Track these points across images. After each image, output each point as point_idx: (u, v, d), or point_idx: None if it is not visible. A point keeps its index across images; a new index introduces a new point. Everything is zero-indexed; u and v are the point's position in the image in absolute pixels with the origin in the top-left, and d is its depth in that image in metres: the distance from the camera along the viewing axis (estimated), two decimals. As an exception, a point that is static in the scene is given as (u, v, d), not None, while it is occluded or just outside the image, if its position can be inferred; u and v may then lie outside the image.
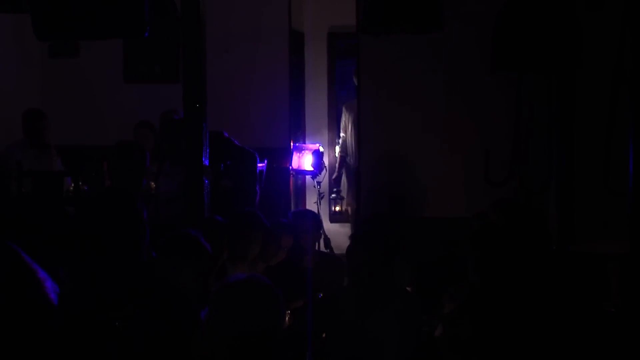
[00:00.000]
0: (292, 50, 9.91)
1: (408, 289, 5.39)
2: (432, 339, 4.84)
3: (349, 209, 9.76)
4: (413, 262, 5.58)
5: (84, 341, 3.36)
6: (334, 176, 10.07)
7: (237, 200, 7.79)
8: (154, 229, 5.27)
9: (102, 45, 9.38)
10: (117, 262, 3.85)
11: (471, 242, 4.99)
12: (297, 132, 10.67)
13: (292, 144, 9.83)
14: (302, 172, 9.91)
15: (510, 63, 6.01)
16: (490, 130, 7.85)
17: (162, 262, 4.46)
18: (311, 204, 10.30)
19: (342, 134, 10.06)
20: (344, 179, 10.08)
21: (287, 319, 5.56)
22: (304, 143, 10.61)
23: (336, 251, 8.85)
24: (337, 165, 10.08)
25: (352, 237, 5.62)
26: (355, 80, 9.87)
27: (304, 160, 9.74)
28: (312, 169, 9.71)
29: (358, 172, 8.52)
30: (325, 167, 9.88)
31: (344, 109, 9.92)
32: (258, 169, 8.32)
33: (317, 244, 7.62)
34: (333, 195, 10.02)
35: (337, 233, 10.01)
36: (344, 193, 10.05)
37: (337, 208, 9.81)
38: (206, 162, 6.46)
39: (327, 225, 10.02)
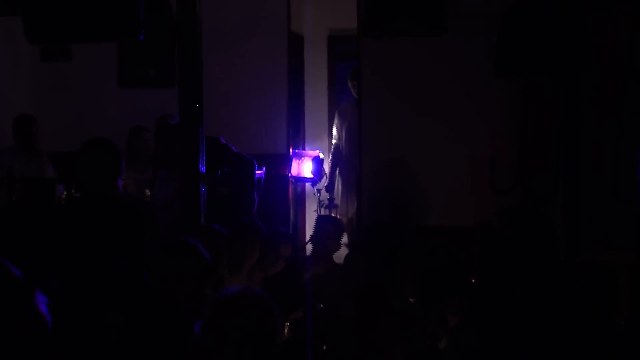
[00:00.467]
0: (291, 53, 9.92)
1: (411, 299, 5.38)
2: (437, 351, 4.83)
3: (344, 218, 9.73)
4: (416, 272, 5.56)
5: (76, 352, 3.36)
6: (325, 183, 10.06)
7: (235, 209, 7.79)
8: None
9: (95, 49, 9.41)
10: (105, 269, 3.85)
11: (476, 251, 4.99)
12: (296, 138, 10.67)
13: (291, 150, 9.82)
14: (301, 180, 9.91)
15: (516, 66, 6.00)
16: (496, 135, 7.85)
17: (160, 271, 4.46)
18: (311, 212, 10.30)
19: (334, 141, 10.02)
20: (337, 186, 10.04)
21: (285, 330, 5.56)
22: (304, 149, 10.61)
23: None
24: (328, 173, 10.03)
25: (353, 246, 5.62)
26: (350, 84, 9.86)
27: (303, 167, 9.74)
28: (312, 176, 9.71)
29: (359, 179, 8.51)
30: (325, 174, 9.88)
31: (336, 115, 9.87)
32: (256, 176, 8.32)
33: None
34: (325, 202, 9.99)
35: None
36: (337, 201, 10.02)
37: (328, 212, 9.79)
38: (202, 169, 6.47)
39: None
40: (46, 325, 3.39)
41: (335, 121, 9.87)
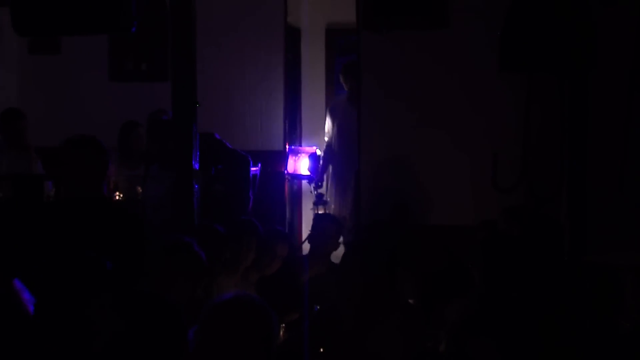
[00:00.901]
0: (288, 46, 9.93)
1: (411, 301, 5.40)
2: (437, 354, 4.86)
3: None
4: (416, 273, 5.59)
5: (64, 354, 3.37)
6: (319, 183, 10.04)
7: (229, 207, 7.81)
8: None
9: (85, 41, 9.42)
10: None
11: (478, 251, 5.01)
12: (293, 134, 10.68)
13: (287, 146, 9.84)
14: (298, 177, 9.92)
15: (520, 63, 6.01)
16: (499, 133, 7.87)
17: (154, 270, 4.48)
18: (307, 211, 10.31)
19: (325, 138, 9.99)
20: (329, 184, 10.01)
21: (281, 333, 5.57)
22: (300, 146, 10.63)
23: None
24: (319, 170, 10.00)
25: (352, 246, 5.63)
26: (341, 79, 9.83)
27: (300, 164, 9.75)
28: (308, 173, 9.73)
29: (357, 177, 8.53)
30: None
31: (328, 111, 9.84)
32: (251, 173, 8.34)
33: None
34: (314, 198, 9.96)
35: None
36: (327, 198, 10.00)
37: (320, 212, 9.79)
38: (196, 166, 6.48)
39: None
40: (31, 324, 3.41)
41: (327, 118, 9.84)
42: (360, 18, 8.06)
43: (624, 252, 6.39)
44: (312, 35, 11.06)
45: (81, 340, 3.39)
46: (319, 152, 9.85)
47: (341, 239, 7.43)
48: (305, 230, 10.02)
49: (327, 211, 9.77)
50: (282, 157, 9.72)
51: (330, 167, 9.88)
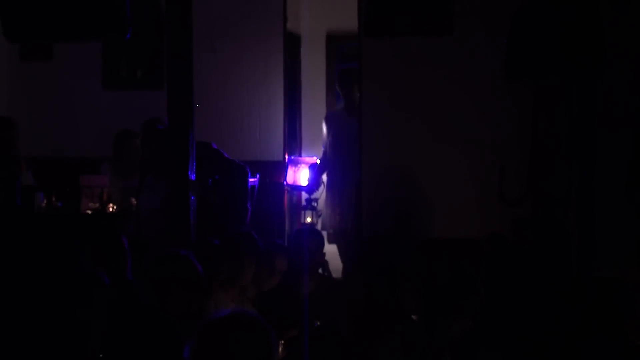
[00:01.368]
0: (288, 53, 9.94)
1: (414, 317, 5.40)
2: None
3: (331, 231, 9.65)
4: (419, 287, 5.59)
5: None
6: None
7: (227, 219, 7.80)
8: (135, 248, 5.31)
9: (78, 47, 9.43)
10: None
11: (484, 265, 5.01)
12: (293, 144, 10.68)
13: (286, 157, 9.84)
14: (297, 188, 9.92)
15: (527, 69, 6.03)
16: (505, 142, 7.87)
17: (150, 284, 4.48)
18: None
19: (322, 148, 9.92)
20: (323, 195, 9.94)
21: (280, 349, 5.57)
22: (300, 156, 10.63)
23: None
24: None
25: (353, 260, 5.64)
26: (337, 87, 9.77)
27: (299, 175, 9.75)
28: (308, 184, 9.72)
29: (358, 189, 8.53)
30: (323, 182, 9.88)
31: (324, 122, 9.78)
32: (249, 184, 8.34)
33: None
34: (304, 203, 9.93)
35: None
36: (319, 208, 9.96)
37: (309, 219, 9.75)
38: (192, 177, 6.48)
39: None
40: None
41: (323, 128, 9.77)
42: (362, 24, 8.07)
43: (636, 265, 6.40)
44: (312, 42, 11.08)
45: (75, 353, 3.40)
46: (319, 163, 9.83)
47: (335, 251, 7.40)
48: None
49: (315, 219, 9.71)
50: (282, 168, 9.72)
51: (326, 177, 9.82)
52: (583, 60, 5.93)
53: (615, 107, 7.32)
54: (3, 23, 5.71)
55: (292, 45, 10.43)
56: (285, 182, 9.73)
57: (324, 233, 8.58)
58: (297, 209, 10.70)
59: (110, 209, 8.09)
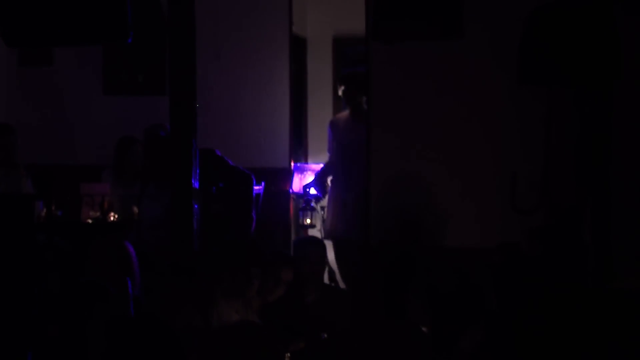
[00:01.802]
0: (293, 57, 9.95)
1: (423, 328, 5.41)
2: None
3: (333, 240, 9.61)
4: (429, 298, 5.59)
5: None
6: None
7: (231, 228, 7.82)
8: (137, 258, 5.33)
9: (78, 52, 9.46)
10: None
11: (495, 275, 5.01)
12: (299, 151, 10.69)
13: (292, 164, 9.84)
14: (304, 196, 9.92)
15: (540, 75, 6.02)
16: (517, 149, 7.86)
17: (153, 296, 4.51)
18: (314, 231, 10.30)
19: (328, 154, 9.84)
20: (327, 201, 9.88)
21: (286, 362, 5.57)
22: (306, 163, 10.63)
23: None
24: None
25: (361, 269, 5.65)
26: (340, 91, 9.70)
27: (306, 183, 9.75)
28: (315, 192, 9.72)
29: (367, 196, 8.52)
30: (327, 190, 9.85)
31: (329, 128, 9.69)
32: (254, 192, 8.35)
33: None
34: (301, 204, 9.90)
35: None
36: (323, 213, 9.93)
37: (308, 221, 9.71)
38: (196, 185, 6.50)
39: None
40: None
41: (328, 135, 9.69)
42: (370, 28, 8.07)
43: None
44: (318, 46, 11.09)
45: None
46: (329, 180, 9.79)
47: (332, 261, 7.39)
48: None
49: (314, 222, 9.68)
50: (287, 175, 9.72)
51: (329, 183, 9.76)
52: (597, 65, 5.92)
53: (630, 113, 7.31)
54: (1, 27, 5.73)
55: (298, 49, 10.45)
56: (291, 190, 9.74)
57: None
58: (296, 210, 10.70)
59: (112, 218, 8.09)
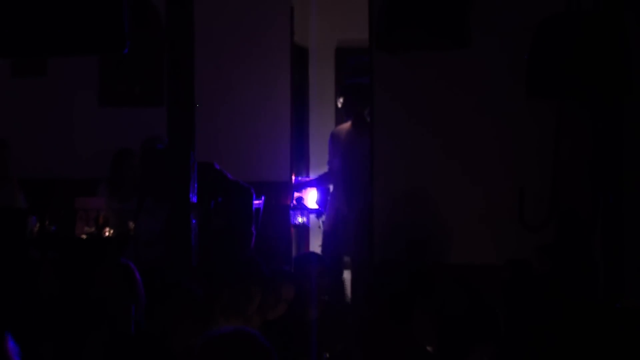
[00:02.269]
0: (295, 68, 9.96)
1: (429, 348, 5.39)
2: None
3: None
4: (434, 317, 5.58)
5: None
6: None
7: (230, 243, 7.81)
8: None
9: (73, 63, 9.45)
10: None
11: (504, 293, 5.00)
12: (300, 164, 10.69)
13: (293, 177, 9.84)
14: (305, 211, 9.92)
15: (549, 87, 6.00)
16: (525, 163, 7.85)
17: (150, 317, 4.51)
18: (316, 247, 10.29)
19: (328, 166, 9.81)
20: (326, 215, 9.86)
21: (287, 383, 5.56)
22: (308, 176, 10.63)
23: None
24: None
25: (365, 287, 5.64)
26: (340, 103, 9.70)
27: (307, 197, 9.75)
28: (317, 206, 9.72)
29: (370, 211, 8.51)
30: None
31: (330, 140, 9.65)
32: (254, 206, 8.34)
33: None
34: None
35: None
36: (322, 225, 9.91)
37: (300, 220, 9.72)
38: (194, 199, 6.49)
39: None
40: None
41: (329, 146, 9.65)
42: (373, 37, 8.07)
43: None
44: (320, 56, 11.10)
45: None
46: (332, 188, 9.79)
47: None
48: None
49: (305, 219, 9.67)
50: (288, 189, 9.72)
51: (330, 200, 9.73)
52: (608, 78, 5.91)
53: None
54: (-7, 37, 5.72)
55: (299, 58, 10.46)
56: (292, 204, 9.73)
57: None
58: (306, 232, 10.69)
59: (107, 234, 8.09)
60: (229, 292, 5.63)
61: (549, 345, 4.64)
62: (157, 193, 7.59)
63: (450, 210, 8.09)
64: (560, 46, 5.84)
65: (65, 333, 3.94)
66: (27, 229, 8.05)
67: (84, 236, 8.05)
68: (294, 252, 9.90)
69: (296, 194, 9.80)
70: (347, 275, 9.50)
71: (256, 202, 8.46)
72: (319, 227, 10.00)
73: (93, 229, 8.07)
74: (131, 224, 8.10)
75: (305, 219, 9.72)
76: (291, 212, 9.71)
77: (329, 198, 9.62)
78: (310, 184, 9.79)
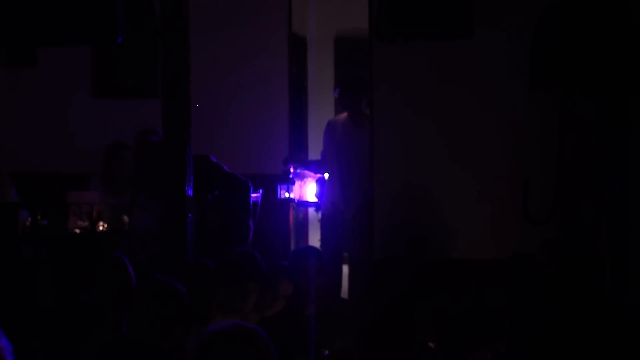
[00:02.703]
0: (293, 58, 9.96)
1: (431, 345, 5.41)
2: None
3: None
4: (437, 314, 5.59)
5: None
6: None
7: (227, 238, 7.81)
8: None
9: (65, 54, 9.45)
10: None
11: (507, 289, 5.01)
12: (299, 156, 10.68)
13: (292, 170, 9.84)
14: (304, 204, 9.92)
15: (553, 78, 5.99)
16: (529, 157, 7.86)
17: (135, 316, 4.52)
18: (314, 241, 10.30)
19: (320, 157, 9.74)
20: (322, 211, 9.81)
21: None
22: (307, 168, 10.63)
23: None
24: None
25: (365, 285, 5.65)
26: (337, 94, 9.62)
27: (306, 190, 9.75)
28: (316, 200, 9.72)
29: (370, 206, 8.51)
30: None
31: (325, 130, 9.57)
32: (251, 200, 8.34)
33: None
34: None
35: None
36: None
37: (287, 194, 9.66)
38: (190, 193, 6.50)
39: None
40: None
41: (325, 136, 9.56)
42: (373, 27, 8.06)
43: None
44: (319, 46, 11.09)
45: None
46: (327, 176, 9.80)
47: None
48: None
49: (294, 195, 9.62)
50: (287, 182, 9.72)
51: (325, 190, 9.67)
52: (615, 69, 5.90)
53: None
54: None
55: (298, 49, 10.45)
56: (290, 198, 9.73)
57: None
58: (305, 226, 10.69)
59: (101, 228, 8.09)
60: (225, 288, 5.65)
61: (555, 343, 4.64)
62: (152, 187, 7.59)
63: (452, 205, 8.10)
64: (566, 34, 5.83)
65: (60, 334, 3.96)
66: (18, 223, 8.05)
67: (77, 231, 8.06)
68: (292, 247, 9.90)
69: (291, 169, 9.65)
70: (345, 270, 9.51)
71: (253, 195, 8.46)
72: (318, 220, 10.00)
73: (86, 224, 8.08)
74: (125, 219, 8.11)
75: (291, 194, 9.63)
76: (277, 185, 9.61)
77: (325, 190, 9.56)
78: (308, 167, 9.72)
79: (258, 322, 6.32)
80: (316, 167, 9.72)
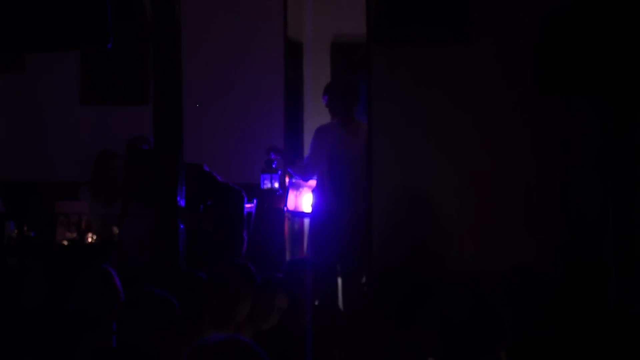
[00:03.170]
0: (289, 63, 9.97)
1: (431, 358, 5.42)
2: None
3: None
4: (437, 325, 5.61)
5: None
6: None
7: (220, 249, 7.82)
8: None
9: (53, 58, 9.46)
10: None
11: (511, 300, 5.03)
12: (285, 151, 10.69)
13: (287, 179, 9.85)
14: (299, 215, 9.92)
15: (556, 83, 6.02)
16: (532, 163, 7.88)
17: (125, 328, 4.54)
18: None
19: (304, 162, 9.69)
20: (311, 222, 9.81)
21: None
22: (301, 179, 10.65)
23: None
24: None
25: (363, 295, 5.67)
26: (327, 101, 9.57)
27: (301, 200, 9.76)
28: (311, 210, 9.73)
29: (369, 214, 8.53)
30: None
31: (314, 136, 9.45)
32: (245, 210, 8.36)
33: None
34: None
35: None
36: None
37: (268, 185, 9.57)
38: (182, 203, 6.51)
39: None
40: None
41: (315, 143, 9.49)
42: (371, 32, 8.09)
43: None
44: (315, 50, 11.11)
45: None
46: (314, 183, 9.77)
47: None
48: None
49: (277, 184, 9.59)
50: (281, 192, 9.73)
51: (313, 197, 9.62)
52: (620, 73, 5.92)
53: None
54: (-32, 32, 5.73)
55: (293, 54, 10.47)
56: (285, 208, 9.74)
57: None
58: (300, 237, 10.69)
59: (89, 239, 8.10)
60: (218, 299, 5.66)
61: (558, 354, 4.67)
62: (143, 196, 7.60)
63: (452, 214, 8.11)
64: (570, 37, 5.85)
65: (49, 345, 3.98)
66: (4, 234, 8.06)
67: (65, 242, 8.06)
68: (287, 258, 9.90)
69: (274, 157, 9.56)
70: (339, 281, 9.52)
71: (247, 205, 8.47)
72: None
73: (75, 235, 8.07)
74: (115, 229, 8.11)
75: (276, 184, 9.58)
76: (261, 175, 9.56)
77: (314, 199, 9.51)
78: (286, 160, 9.60)
79: (253, 335, 6.34)
80: (296, 166, 9.59)
